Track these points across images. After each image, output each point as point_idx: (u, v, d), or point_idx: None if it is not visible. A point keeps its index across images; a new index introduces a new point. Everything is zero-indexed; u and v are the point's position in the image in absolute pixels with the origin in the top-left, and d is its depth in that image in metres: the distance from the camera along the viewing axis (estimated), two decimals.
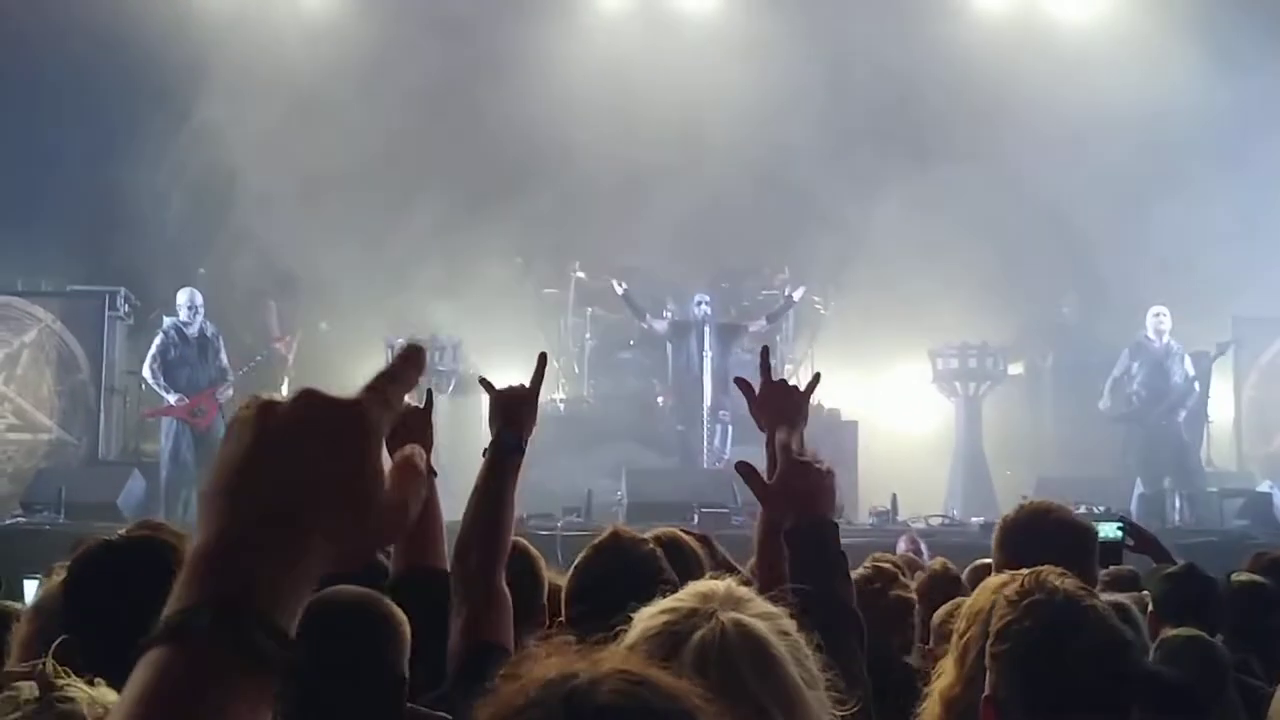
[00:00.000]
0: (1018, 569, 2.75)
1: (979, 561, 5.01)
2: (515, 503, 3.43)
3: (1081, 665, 2.42)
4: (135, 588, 3.12)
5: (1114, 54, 14.85)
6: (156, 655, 1.04)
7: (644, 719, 1.36)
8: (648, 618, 1.95)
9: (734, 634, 1.88)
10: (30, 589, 4.41)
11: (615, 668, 1.40)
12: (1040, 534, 3.60)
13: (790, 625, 1.97)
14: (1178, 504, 13.48)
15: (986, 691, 2.49)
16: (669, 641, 1.89)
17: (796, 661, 1.91)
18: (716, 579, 2.04)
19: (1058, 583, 2.52)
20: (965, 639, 2.75)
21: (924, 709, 2.81)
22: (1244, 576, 4.74)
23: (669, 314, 14.94)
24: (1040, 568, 2.57)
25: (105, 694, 2.18)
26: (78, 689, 2.16)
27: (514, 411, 3.57)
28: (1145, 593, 4.58)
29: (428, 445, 2.96)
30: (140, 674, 1.04)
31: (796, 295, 14.92)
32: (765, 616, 1.95)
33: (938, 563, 5.45)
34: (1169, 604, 4.29)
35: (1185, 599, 4.27)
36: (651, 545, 3.48)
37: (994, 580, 2.83)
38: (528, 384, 3.64)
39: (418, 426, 3.59)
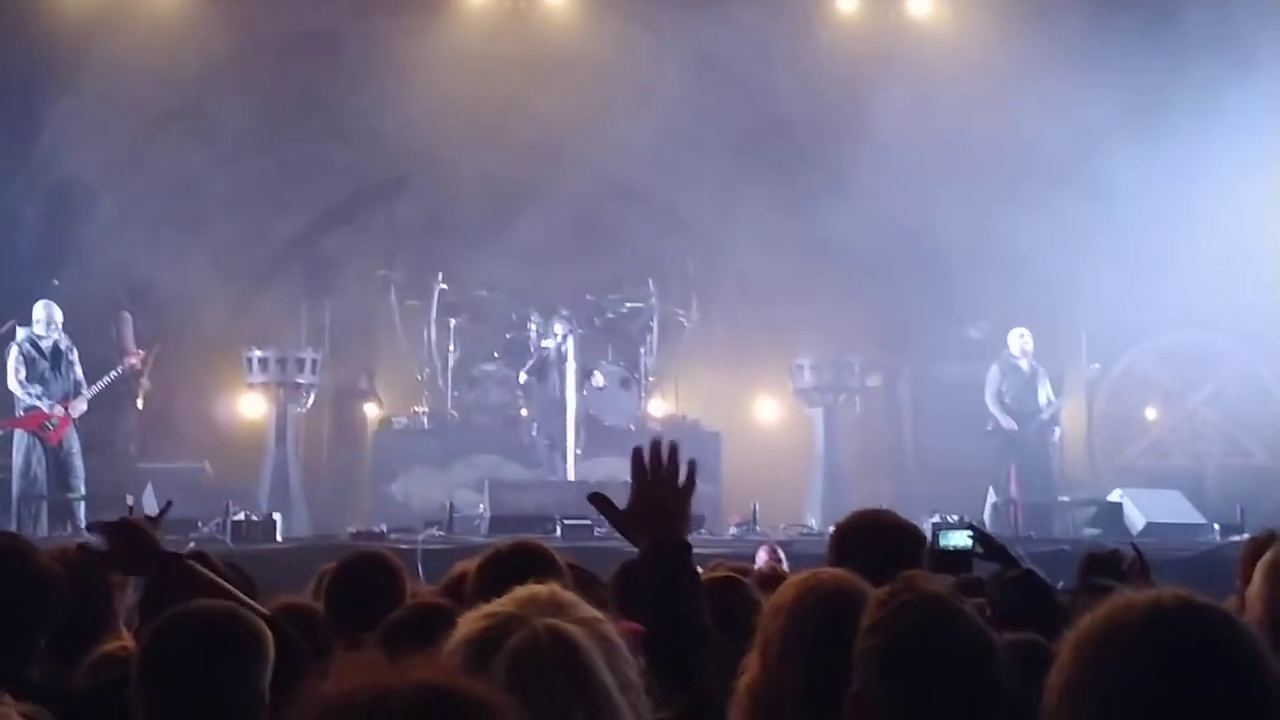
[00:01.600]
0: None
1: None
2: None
3: (951, 664, 2.48)
4: None
5: (969, 72, 15.15)
6: None
7: None
8: (469, 623, 1.97)
9: (546, 640, 1.90)
10: None
11: (420, 679, 1.41)
12: (871, 537, 3.73)
13: (611, 631, 1.99)
14: (1031, 514, 13.80)
15: (853, 687, 2.54)
16: (485, 647, 1.91)
17: (612, 667, 1.92)
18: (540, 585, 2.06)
19: (926, 585, 2.60)
20: (767, 633, 2.82)
21: (733, 703, 2.84)
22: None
23: (532, 354, 15.01)
24: (909, 573, 2.65)
25: None
26: None
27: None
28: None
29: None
30: None
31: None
32: (584, 622, 1.97)
33: (766, 565, 5.51)
34: (1008, 610, 4.39)
35: (1024, 605, 4.37)
36: None
37: (795, 578, 2.92)
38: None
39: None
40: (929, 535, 4.69)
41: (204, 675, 2.82)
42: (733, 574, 4.58)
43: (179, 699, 2.79)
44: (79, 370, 13.12)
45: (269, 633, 2.97)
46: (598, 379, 14.74)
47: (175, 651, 2.84)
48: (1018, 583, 4.52)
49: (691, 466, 3.02)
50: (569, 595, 2.04)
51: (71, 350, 13.11)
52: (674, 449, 3.03)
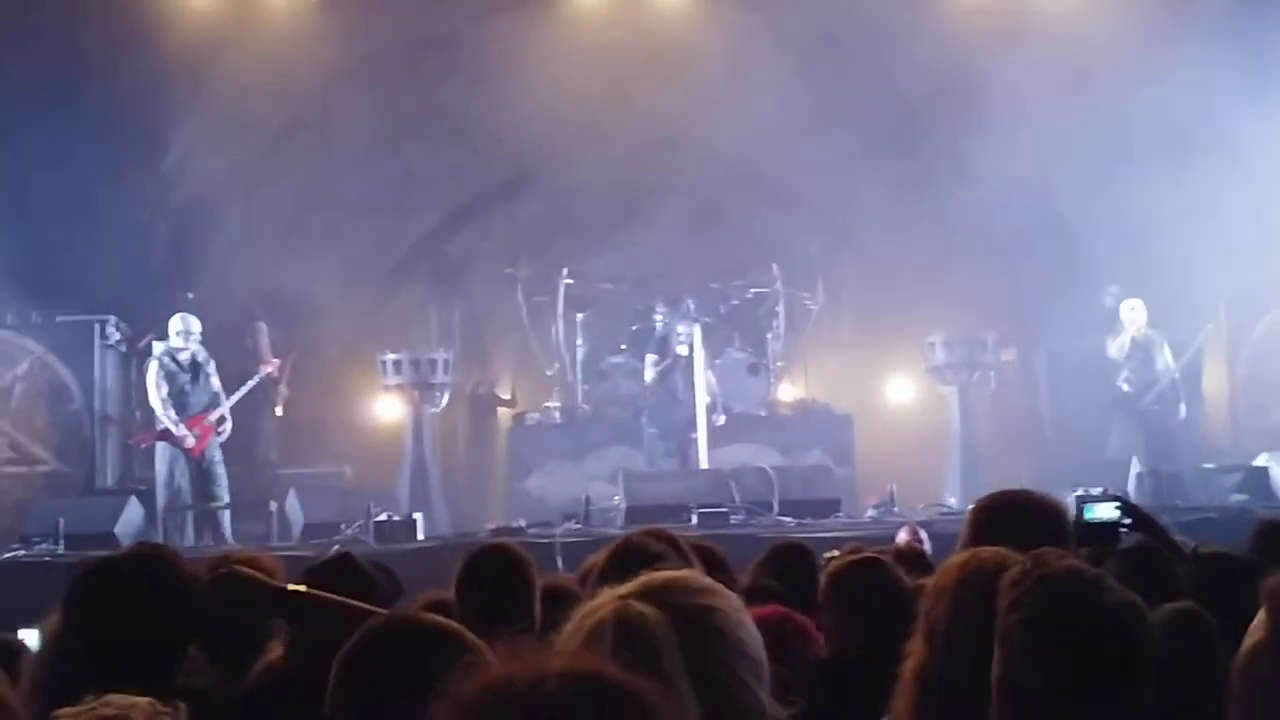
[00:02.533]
0: None
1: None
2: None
3: (1099, 629, 2.42)
4: (136, 600, 3.17)
5: (1089, 42, 14.84)
6: None
7: (593, 713, 1.38)
8: (577, 614, 1.98)
9: (612, 623, 1.90)
10: (30, 638, 4.40)
11: (572, 667, 1.43)
12: (1011, 517, 3.60)
13: (726, 620, 1.97)
14: (1175, 483, 13.49)
15: (996, 672, 2.47)
16: (572, 633, 1.92)
17: (718, 658, 1.92)
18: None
19: (1060, 558, 2.54)
20: (931, 617, 2.77)
21: (897, 690, 2.81)
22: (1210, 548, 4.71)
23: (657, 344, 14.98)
24: (1039, 551, 2.58)
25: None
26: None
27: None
28: None
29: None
30: None
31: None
32: (690, 610, 1.95)
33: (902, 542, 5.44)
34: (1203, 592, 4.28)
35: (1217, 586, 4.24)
36: None
37: (957, 558, 2.85)
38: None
39: None
40: (1073, 509, 4.60)
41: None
42: (872, 554, 4.52)
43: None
44: (216, 381, 13.38)
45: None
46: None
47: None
48: (1205, 559, 4.39)
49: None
50: (690, 580, 2.02)
51: (209, 362, 13.37)
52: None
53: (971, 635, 2.69)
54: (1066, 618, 2.42)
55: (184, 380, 13.10)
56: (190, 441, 12.95)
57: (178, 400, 13.04)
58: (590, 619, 1.92)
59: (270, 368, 14.48)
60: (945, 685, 2.70)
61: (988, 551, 2.90)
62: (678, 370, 14.53)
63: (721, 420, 14.34)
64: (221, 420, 13.25)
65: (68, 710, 2.19)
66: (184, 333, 13.14)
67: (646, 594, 1.96)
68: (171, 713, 2.22)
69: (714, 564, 4.09)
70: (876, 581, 4.21)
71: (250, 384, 13.89)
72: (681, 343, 14.54)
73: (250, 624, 3.86)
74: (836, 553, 5.16)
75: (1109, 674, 2.41)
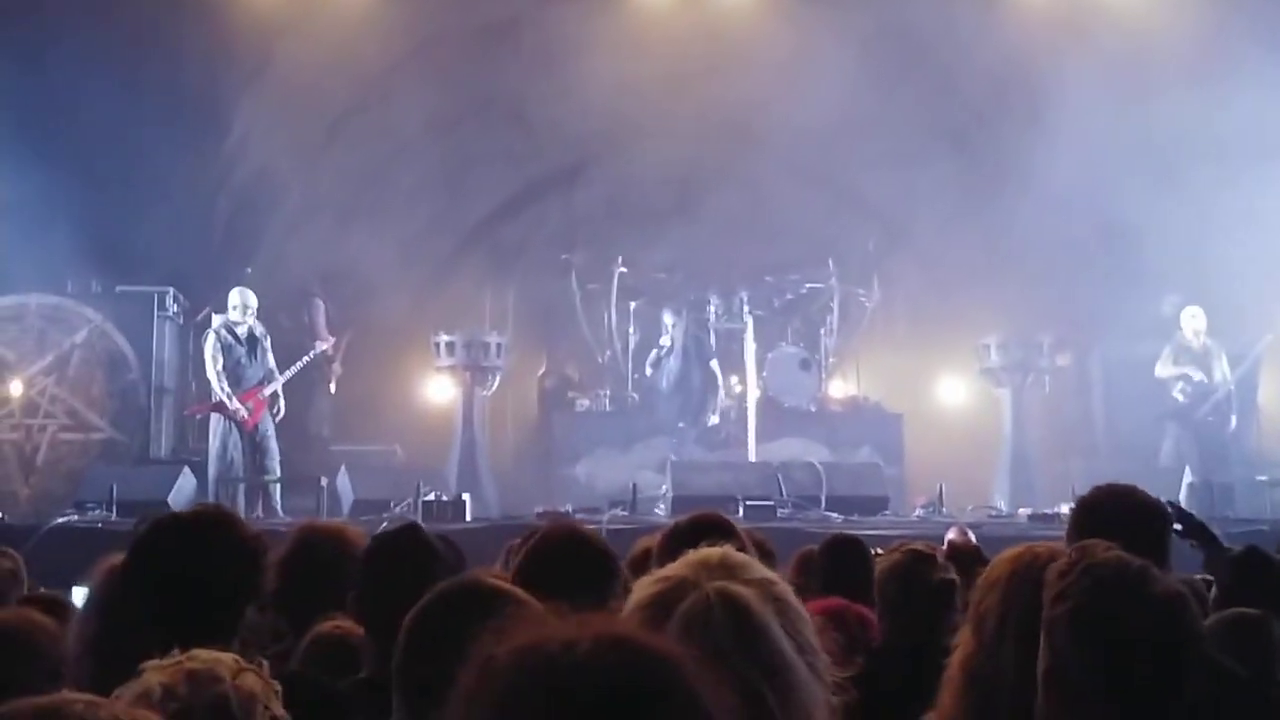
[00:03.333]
0: None
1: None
2: None
3: (1145, 618, 2.41)
4: (201, 556, 3.21)
5: (1159, 44, 14.72)
6: None
7: (625, 678, 1.38)
8: (642, 588, 1.98)
9: (718, 604, 1.91)
10: (78, 596, 4.46)
11: (599, 630, 1.42)
12: (1115, 514, 3.59)
13: (786, 591, 1.99)
14: (1226, 494, 13.37)
15: (1042, 665, 2.48)
16: (658, 611, 1.92)
17: (787, 628, 1.92)
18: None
19: (1105, 552, 2.53)
20: (982, 608, 2.77)
21: (945, 680, 2.81)
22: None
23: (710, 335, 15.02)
24: (1085, 542, 2.58)
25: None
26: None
27: None
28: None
29: None
30: None
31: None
32: (758, 584, 1.97)
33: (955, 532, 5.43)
34: (1234, 588, 4.27)
35: (1249, 582, 4.24)
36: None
37: (1009, 552, 2.85)
38: None
39: None
40: None
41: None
42: (923, 548, 4.52)
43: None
44: (271, 357, 13.48)
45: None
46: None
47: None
48: (1240, 561, 4.40)
49: None
50: (742, 557, 2.04)
51: (265, 337, 13.47)
52: None
53: (1021, 628, 2.69)
54: (1113, 608, 2.43)
55: (240, 354, 13.20)
56: (243, 414, 13.05)
57: (233, 374, 13.13)
58: (686, 600, 1.92)
59: (325, 345, 14.59)
60: (993, 678, 2.70)
61: (1042, 545, 2.90)
62: (663, 361, 14.52)
63: (715, 420, 14.29)
64: (275, 396, 13.35)
65: (154, 662, 2.21)
66: (242, 307, 13.25)
67: (711, 570, 1.97)
68: (257, 670, 2.24)
69: (763, 555, 4.10)
70: (927, 576, 4.22)
71: (305, 360, 13.98)
72: (665, 333, 14.58)
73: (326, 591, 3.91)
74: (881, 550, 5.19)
75: (1156, 665, 2.40)
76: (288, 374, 13.55)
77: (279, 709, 2.24)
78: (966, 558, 5.02)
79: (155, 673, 2.17)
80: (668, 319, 14.75)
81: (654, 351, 15.14)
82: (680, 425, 14.33)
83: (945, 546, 6.19)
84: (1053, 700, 2.46)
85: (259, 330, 13.41)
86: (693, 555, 2.04)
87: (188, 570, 3.18)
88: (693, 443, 14.61)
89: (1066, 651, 2.45)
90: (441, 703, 2.63)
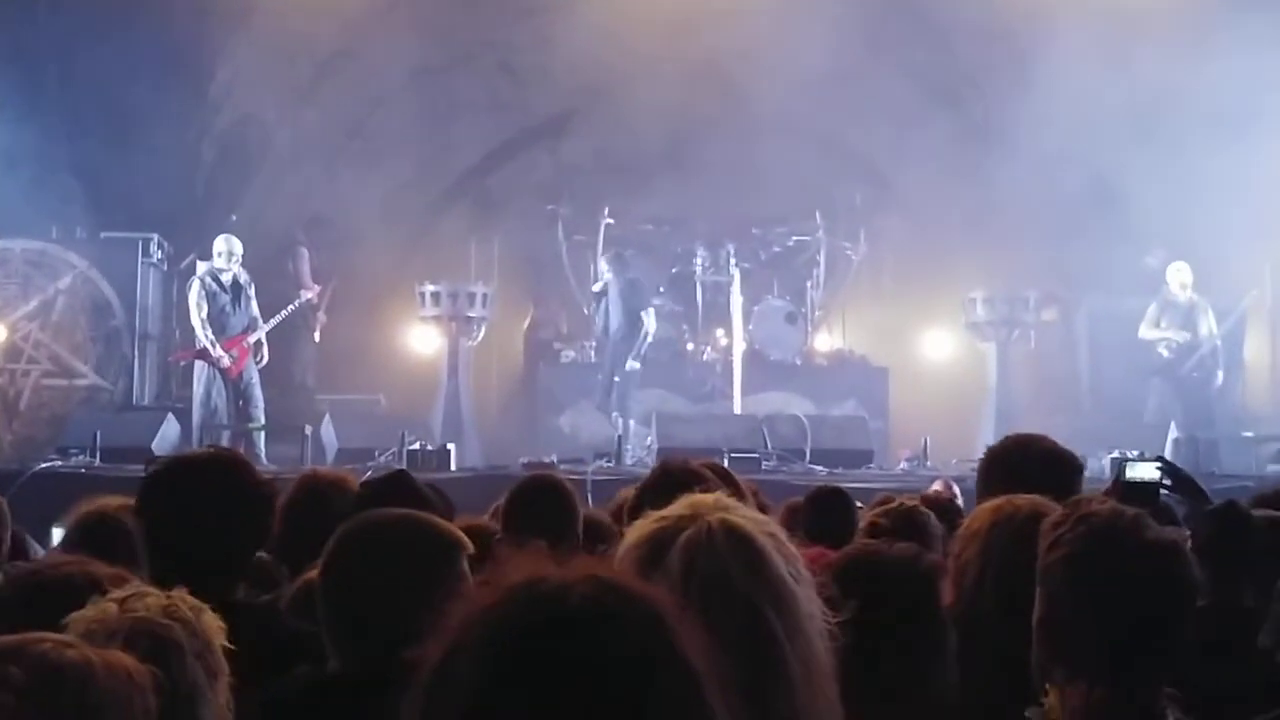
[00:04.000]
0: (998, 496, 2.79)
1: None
2: None
3: (1140, 563, 2.42)
4: (214, 499, 3.19)
5: (1145, 7, 14.65)
6: None
7: (611, 620, 1.38)
8: (640, 527, 1.99)
9: (720, 532, 1.92)
10: (57, 536, 4.46)
11: (585, 573, 1.42)
12: (1023, 463, 3.59)
13: (780, 532, 1.99)
14: (1211, 451, 13.42)
15: (1038, 613, 2.48)
16: (659, 544, 1.93)
17: (784, 560, 1.93)
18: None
19: (1101, 504, 2.54)
20: (962, 559, 2.79)
21: None
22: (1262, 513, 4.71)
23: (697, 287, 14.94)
24: (1081, 495, 2.58)
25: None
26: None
27: None
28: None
29: None
30: None
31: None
32: (753, 520, 1.98)
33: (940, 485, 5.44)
34: (1208, 544, 4.28)
35: (1222, 536, 4.25)
36: None
37: (990, 504, 2.86)
38: None
39: None
40: (1115, 470, 4.58)
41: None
42: (915, 505, 4.54)
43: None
44: (255, 305, 13.41)
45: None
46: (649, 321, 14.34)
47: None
48: (1217, 515, 4.40)
49: None
50: (733, 500, 2.04)
51: (250, 285, 13.39)
52: None
53: (1001, 577, 2.71)
54: (1108, 554, 2.43)
55: (225, 301, 13.13)
56: (226, 362, 13.00)
57: (217, 321, 13.06)
58: (685, 533, 1.92)
59: (310, 293, 14.53)
60: (972, 626, 2.71)
61: (1022, 498, 2.91)
62: (599, 305, 14.43)
63: (636, 365, 14.16)
64: (260, 344, 13.29)
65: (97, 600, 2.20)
66: (227, 254, 13.15)
67: (709, 508, 1.97)
68: (190, 616, 2.21)
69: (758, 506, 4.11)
70: (912, 527, 4.22)
71: (289, 309, 13.92)
72: (597, 278, 14.50)
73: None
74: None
75: (1151, 610, 2.41)
76: (272, 322, 13.48)
77: (218, 651, 2.22)
78: (943, 509, 5.04)
79: (96, 609, 2.15)
80: (603, 265, 14.57)
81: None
82: (627, 368, 14.16)
83: (923, 494, 6.20)
84: (1047, 648, 2.47)
85: (243, 278, 13.33)
86: (688, 498, 2.04)
87: (200, 512, 3.16)
88: (636, 388, 14.40)
89: (1060, 599, 2.45)
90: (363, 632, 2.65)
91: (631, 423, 13.76)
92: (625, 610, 1.39)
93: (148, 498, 3.29)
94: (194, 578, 2.44)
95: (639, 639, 1.38)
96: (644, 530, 1.97)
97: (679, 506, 2.00)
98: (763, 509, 4.35)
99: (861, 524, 4.46)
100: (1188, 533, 4.56)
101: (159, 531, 3.18)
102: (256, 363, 13.27)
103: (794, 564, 1.95)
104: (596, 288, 14.51)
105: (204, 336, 12.97)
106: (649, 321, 14.12)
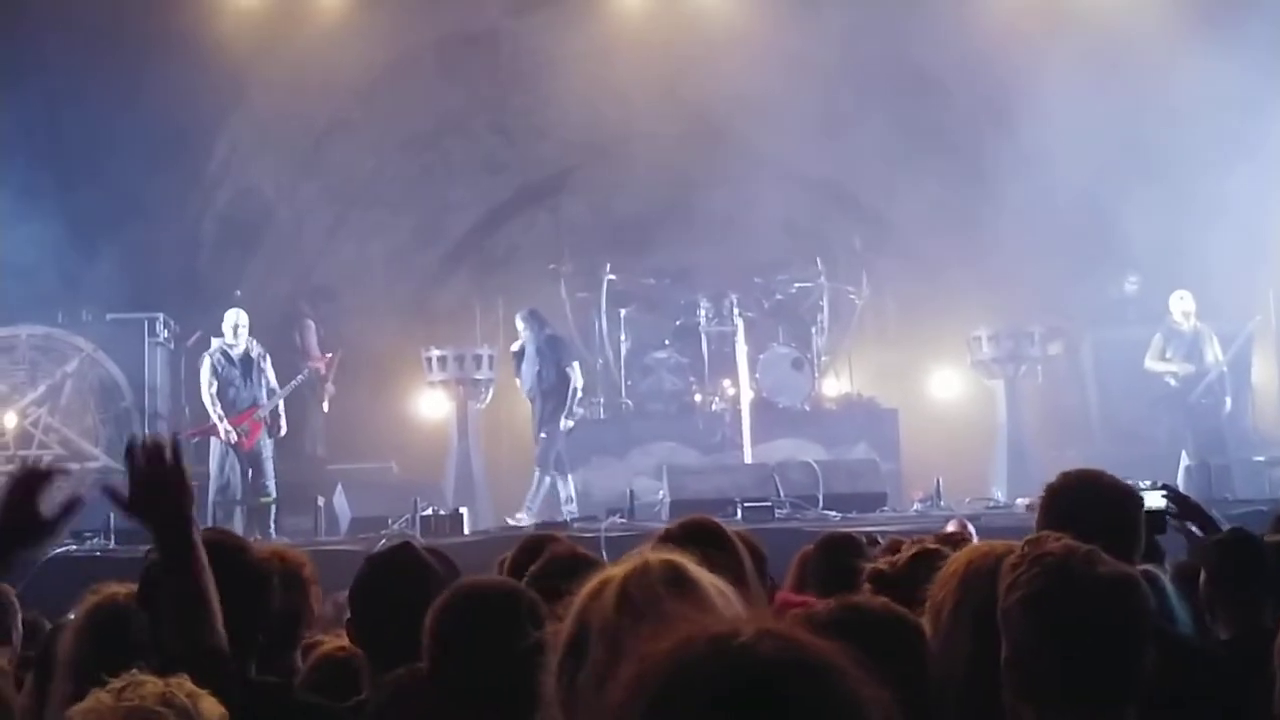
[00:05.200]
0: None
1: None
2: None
3: (1095, 598, 2.46)
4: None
5: (1136, 29, 14.74)
6: None
7: (805, 673, 1.38)
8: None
9: (656, 564, 1.95)
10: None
11: (763, 627, 1.42)
12: (1085, 499, 3.57)
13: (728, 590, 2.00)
14: (1224, 476, 13.37)
15: (1005, 655, 2.52)
16: (598, 585, 1.95)
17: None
18: None
19: (1055, 543, 2.58)
20: (938, 600, 2.80)
21: None
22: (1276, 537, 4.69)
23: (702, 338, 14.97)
24: (1038, 534, 2.62)
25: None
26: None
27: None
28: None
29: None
30: None
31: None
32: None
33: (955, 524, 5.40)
34: (1221, 573, 4.26)
35: (1235, 565, 4.23)
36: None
37: (968, 549, 2.88)
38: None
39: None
40: None
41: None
42: (931, 547, 4.47)
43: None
44: (272, 376, 13.47)
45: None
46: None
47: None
48: (1225, 544, 4.38)
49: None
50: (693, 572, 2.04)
51: (264, 358, 13.47)
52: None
53: (975, 619, 2.72)
54: (1059, 593, 2.47)
55: (234, 376, 13.20)
56: (235, 437, 13.06)
57: (225, 396, 13.14)
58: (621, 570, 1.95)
59: (320, 363, 14.59)
60: (946, 667, 2.73)
61: (1000, 543, 2.94)
62: (518, 366, 14.33)
63: (570, 424, 14.11)
64: (276, 416, 13.36)
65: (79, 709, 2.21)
66: (233, 327, 13.25)
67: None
68: (187, 703, 2.22)
69: (754, 555, 4.08)
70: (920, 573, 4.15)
71: (297, 380, 13.98)
72: (518, 337, 14.37)
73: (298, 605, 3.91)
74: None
75: (1105, 647, 2.45)
76: (280, 394, 13.53)
77: None
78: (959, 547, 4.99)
79: (91, 700, 2.18)
80: (519, 323, 14.44)
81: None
82: (561, 427, 14.09)
83: (942, 533, 6.17)
84: (1015, 689, 2.50)
85: (255, 351, 13.40)
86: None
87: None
88: (563, 446, 14.27)
89: (1022, 639, 2.49)
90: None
91: (564, 480, 13.72)
92: (813, 661, 1.40)
93: (146, 588, 3.29)
94: (201, 662, 2.46)
95: (817, 686, 1.38)
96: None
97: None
98: (759, 557, 4.36)
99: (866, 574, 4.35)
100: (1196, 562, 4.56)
101: (160, 619, 3.18)
102: (274, 435, 13.32)
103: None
104: (514, 347, 14.37)
105: (212, 413, 13.05)
106: (575, 377, 14.07)
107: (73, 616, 3.74)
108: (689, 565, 1.97)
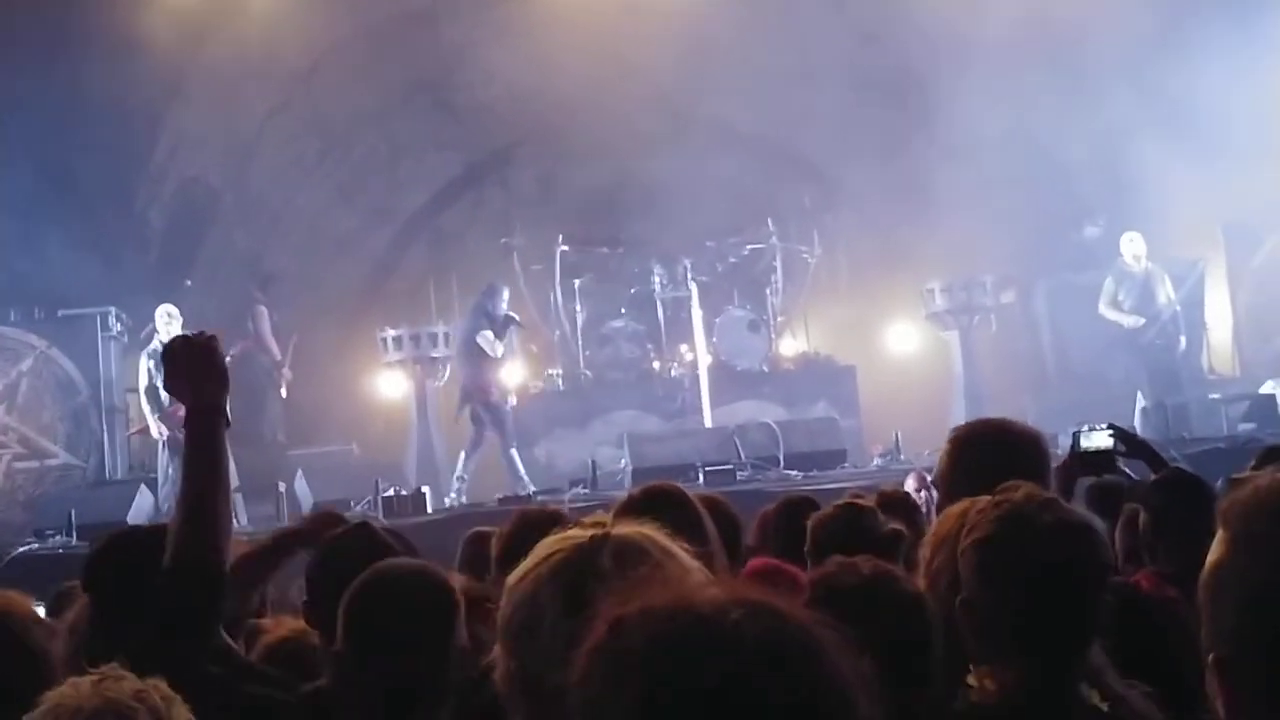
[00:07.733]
0: (964, 483, 2.81)
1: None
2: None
3: (1050, 543, 2.47)
4: (148, 576, 3.18)
5: None
6: None
7: (775, 642, 1.33)
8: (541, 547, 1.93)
9: (608, 539, 1.87)
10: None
11: (750, 597, 1.37)
12: (989, 447, 3.57)
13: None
14: (1181, 415, 13.49)
15: (961, 595, 2.54)
16: (543, 558, 1.89)
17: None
18: None
19: (1021, 490, 2.59)
20: (934, 566, 2.81)
21: None
22: (1245, 475, 4.71)
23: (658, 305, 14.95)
24: (1008, 483, 2.63)
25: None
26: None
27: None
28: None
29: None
30: None
31: None
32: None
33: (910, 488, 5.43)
34: (1163, 512, 4.30)
35: (1179, 504, 4.25)
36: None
37: (956, 507, 2.87)
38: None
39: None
40: (1070, 440, 4.62)
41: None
42: (858, 502, 4.46)
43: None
44: None
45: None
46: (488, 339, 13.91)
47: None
48: (1168, 483, 4.42)
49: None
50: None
51: None
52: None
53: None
54: (1016, 537, 2.49)
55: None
56: (168, 432, 12.87)
57: (159, 391, 13.06)
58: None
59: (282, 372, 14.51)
60: (950, 632, 2.73)
61: (985, 499, 2.93)
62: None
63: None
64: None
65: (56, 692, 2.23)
66: (168, 320, 13.14)
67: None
68: (160, 705, 2.24)
69: (721, 515, 4.09)
70: (855, 528, 4.14)
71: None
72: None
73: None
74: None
75: (1060, 591, 2.46)
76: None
77: None
78: (898, 506, 5.02)
79: (71, 685, 2.20)
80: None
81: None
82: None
83: (879, 493, 6.14)
84: (967, 629, 2.52)
85: None
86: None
87: (137, 591, 3.15)
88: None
89: (974, 580, 2.52)
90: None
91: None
92: (787, 629, 1.35)
93: (91, 576, 3.29)
94: (141, 652, 2.47)
95: (800, 656, 1.33)
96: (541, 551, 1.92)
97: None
98: (732, 521, 4.38)
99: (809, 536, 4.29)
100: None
101: (105, 607, 3.18)
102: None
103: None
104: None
105: (145, 409, 13.01)
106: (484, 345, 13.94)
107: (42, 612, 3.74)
108: (652, 536, 1.90)
